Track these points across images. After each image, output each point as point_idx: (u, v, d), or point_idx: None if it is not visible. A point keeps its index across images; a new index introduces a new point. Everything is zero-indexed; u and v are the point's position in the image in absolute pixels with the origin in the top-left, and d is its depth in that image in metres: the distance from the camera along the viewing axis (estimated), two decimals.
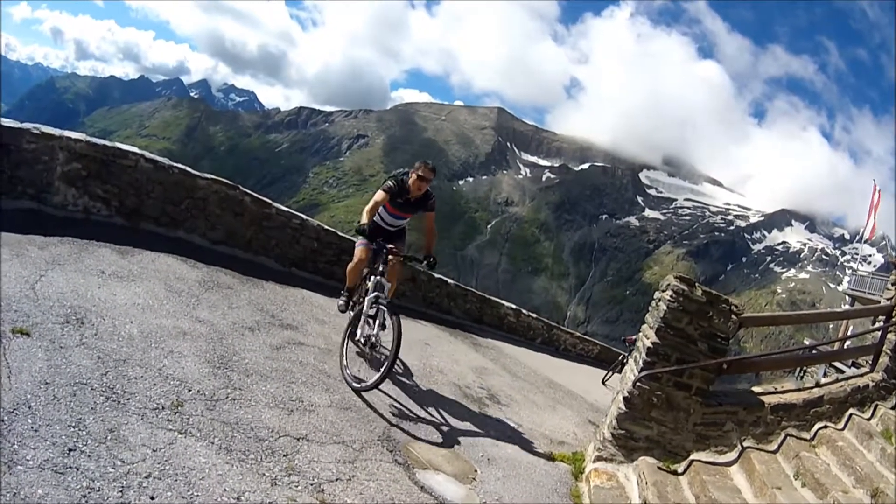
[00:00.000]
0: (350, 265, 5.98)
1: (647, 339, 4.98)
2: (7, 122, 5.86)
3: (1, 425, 2.59)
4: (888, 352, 6.14)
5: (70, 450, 2.61)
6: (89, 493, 2.42)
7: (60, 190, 6.17)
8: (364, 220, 5.49)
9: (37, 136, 5.93)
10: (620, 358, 12.87)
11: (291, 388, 4.33)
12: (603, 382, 12.09)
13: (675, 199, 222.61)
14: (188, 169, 7.28)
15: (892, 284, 6.41)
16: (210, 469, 2.91)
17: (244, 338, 4.97)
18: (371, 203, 5.61)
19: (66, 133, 6.23)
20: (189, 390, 3.65)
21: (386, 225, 6.13)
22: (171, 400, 3.43)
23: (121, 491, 2.50)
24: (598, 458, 4.97)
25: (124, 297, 4.70)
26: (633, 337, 11.63)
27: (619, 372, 11.61)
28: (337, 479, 3.07)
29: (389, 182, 5.75)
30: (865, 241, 36.36)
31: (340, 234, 8.84)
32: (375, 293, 5.35)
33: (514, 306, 11.99)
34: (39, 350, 3.36)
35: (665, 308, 4.85)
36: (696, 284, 4.94)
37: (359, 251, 5.86)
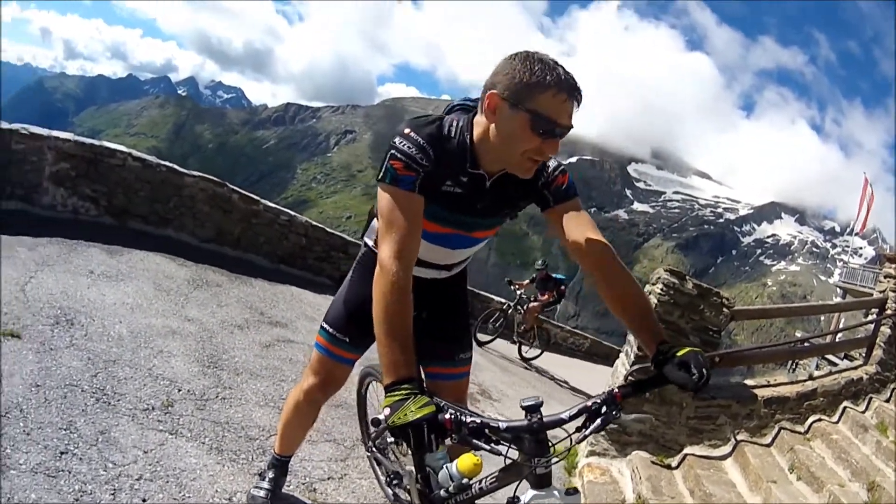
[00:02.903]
0: (299, 396, 2.67)
1: None
2: None
3: None
4: (881, 344, 6.21)
5: (62, 453, 2.59)
6: (81, 496, 2.41)
7: (49, 190, 6.13)
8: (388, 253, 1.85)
9: (25, 136, 5.89)
10: (505, 307, 11.18)
11: (281, 385, 4.31)
12: (520, 355, 10.91)
13: (664, 192, 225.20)
14: (176, 167, 7.27)
15: (885, 277, 6.43)
16: (201, 470, 2.90)
17: (233, 336, 4.93)
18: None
19: (55, 133, 6.19)
20: (179, 390, 3.62)
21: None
22: (162, 400, 3.41)
23: (112, 494, 2.48)
24: (591, 453, 4.94)
25: (113, 297, 4.66)
26: (521, 282, 11.43)
27: (499, 325, 10.70)
28: (329, 478, 3.06)
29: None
30: (856, 234, 36.46)
31: (328, 230, 8.86)
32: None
33: (504, 301, 11.94)
34: (30, 353, 3.33)
35: (656, 301, 4.80)
36: (687, 277, 4.90)
37: (326, 366, 2.58)
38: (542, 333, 11.37)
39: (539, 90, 1.75)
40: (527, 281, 11.67)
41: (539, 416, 1.63)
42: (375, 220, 2.27)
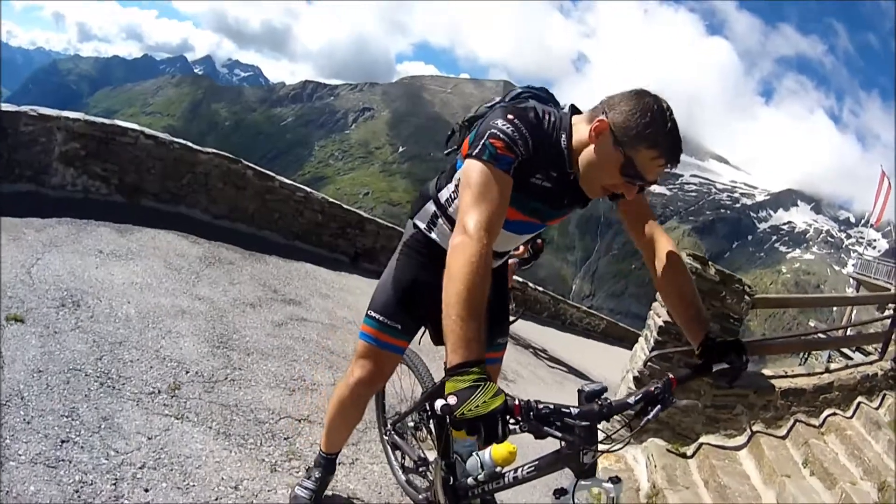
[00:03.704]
0: (344, 391, 2.53)
1: (659, 317, 4.78)
2: (4, 105, 5.71)
3: None
4: None
5: (63, 441, 2.51)
6: (82, 486, 2.32)
7: (59, 170, 6.05)
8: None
9: (34, 117, 5.80)
10: None
11: (293, 366, 4.22)
12: None
13: (682, 175, 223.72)
14: (189, 144, 7.18)
15: None
16: (207, 456, 2.81)
17: (245, 315, 4.85)
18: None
19: (64, 113, 6.09)
20: (187, 372, 3.54)
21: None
22: (168, 383, 3.32)
23: (114, 483, 2.39)
24: (607, 439, 4.83)
25: (122, 277, 4.58)
26: None
27: None
28: (339, 463, 2.96)
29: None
30: (872, 227, 36.04)
31: (345, 206, 8.77)
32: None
33: (520, 279, 11.75)
34: (33, 337, 3.24)
35: None
36: (710, 263, 4.74)
37: (375, 357, 2.46)
38: (517, 296, 10.37)
39: (644, 145, 1.78)
40: None
41: (608, 401, 1.61)
42: (430, 202, 2.36)
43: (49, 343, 3.25)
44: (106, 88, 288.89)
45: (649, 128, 1.75)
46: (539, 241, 9.28)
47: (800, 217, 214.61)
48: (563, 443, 1.64)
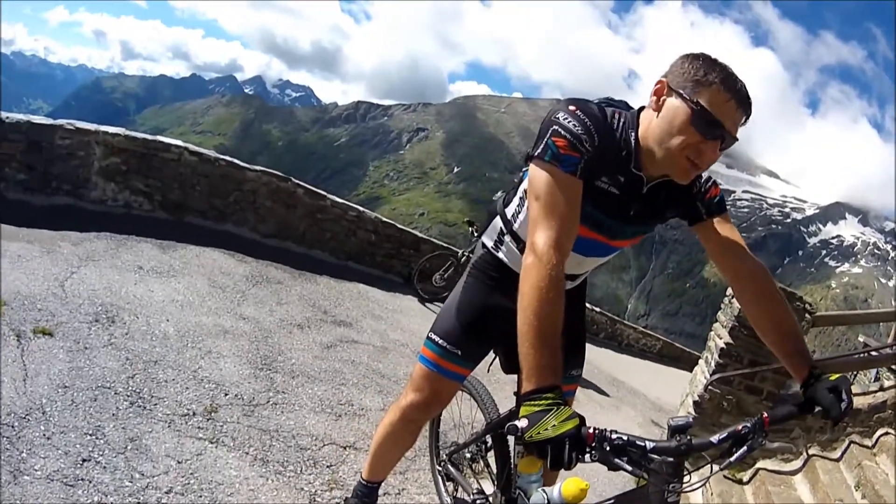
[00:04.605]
0: (396, 415, 2.44)
1: (720, 339, 4.79)
2: (38, 118, 5.94)
3: (9, 431, 2.47)
4: None
5: (84, 460, 2.46)
6: None
7: (98, 185, 6.20)
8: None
9: (70, 131, 5.99)
10: (459, 254, 8.85)
11: (341, 390, 4.15)
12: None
13: (734, 191, 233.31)
14: (236, 161, 7.33)
15: None
16: (241, 483, 2.72)
17: (292, 336, 4.83)
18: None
19: (103, 128, 6.28)
20: (226, 394, 3.48)
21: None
22: (205, 405, 3.27)
23: None
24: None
25: (162, 294, 4.60)
26: None
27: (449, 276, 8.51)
28: (385, 493, 2.84)
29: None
30: None
31: (400, 226, 8.80)
32: None
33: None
34: (61, 351, 3.23)
35: (737, 306, 4.61)
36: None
37: (432, 382, 2.36)
38: None
39: (705, 85, 1.69)
40: None
41: (688, 437, 1.52)
42: (497, 219, 2.29)
43: (78, 358, 3.23)
44: (154, 107, 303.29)
45: (707, 70, 1.69)
46: None
47: (848, 230, 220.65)
48: (638, 479, 1.56)
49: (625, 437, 1.43)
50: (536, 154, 1.74)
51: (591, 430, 1.39)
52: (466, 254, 8.49)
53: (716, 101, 1.68)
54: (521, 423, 1.37)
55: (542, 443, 1.34)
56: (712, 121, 1.67)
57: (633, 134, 1.83)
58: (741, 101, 1.70)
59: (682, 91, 1.70)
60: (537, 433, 1.34)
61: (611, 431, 1.42)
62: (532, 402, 1.41)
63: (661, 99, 1.76)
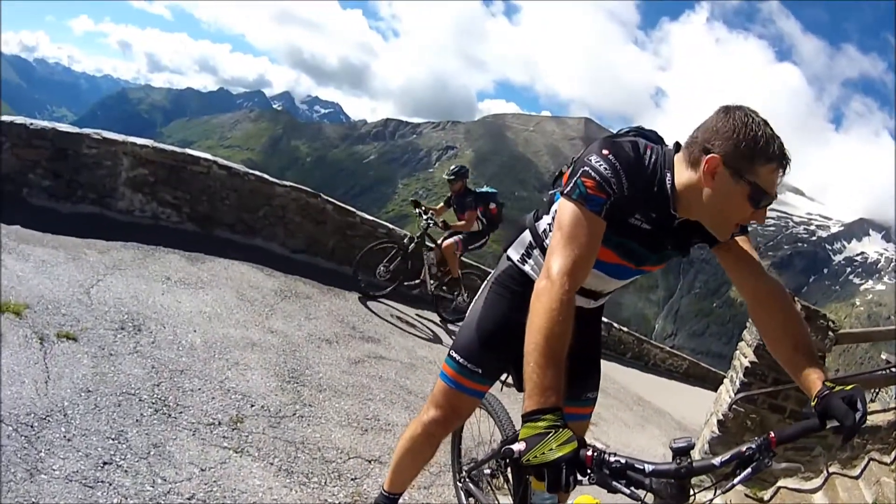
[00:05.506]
0: (417, 429, 2.48)
1: (745, 357, 4.90)
2: (64, 127, 6.11)
3: (28, 431, 2.49)
4: None
5: (105, 463, 2.47)
6: None
7: (125, 195, 6.32)
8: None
9: (97, 140, 6.15)
10: (405, 240, 8.21)
11: (368, 405, 4.15)
12: (441, 319, 7.98)
13: None
14: (265, 176, 7.45)
15: None
16: (265, 493, 2.71)
17: (320, 350, 4.84)
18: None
19: (131, 139, 6.45)
20: (252, 405, 3.49)
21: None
22: (230, 415, 3.28)
23: None
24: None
25: (190, 305, 4.65)
26: (434, 207, 8.49)
27: (394, 268, 7.64)
28: None
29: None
30: None
31: (429, 243, 8.77)
32: None
33: (605, 320, 11.47)
34: (85, 356, 3.27)
35: None
36: (796, 299, 4.71)
37: (451, 399, 2.42)
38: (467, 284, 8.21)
39: (760, 162, 1.74)
40: (441, 204, 8.63)
41: (689, 460, 1.52)
42: (527, 232, 2.38)
43: (102, 364, 3.27)
44: (181, 119, 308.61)
45: (758, 143, 1.73)
46: (493, 205, 8.19)
47: (871, 247, 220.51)
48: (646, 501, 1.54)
49: (623, 460, 1.44)
50: (566, 192, 1.84)
51: (589, 453, 1.40)
52: (417, 239, 7.95)
53: (770, 178, 1.75)
54: (518, 447, 1.40)
55: (539, 466, 1.37)
56: (767, 197, 1.76)
57: (668, 175, 1.89)
58: (786, 164, 1.77)
59: (738, 170, 1.74)
60: (534, 457, 1.37)
61: (610, 454, 1.43)
62: (531, 424, 1.44)
63: (714, 175, 1.78)
